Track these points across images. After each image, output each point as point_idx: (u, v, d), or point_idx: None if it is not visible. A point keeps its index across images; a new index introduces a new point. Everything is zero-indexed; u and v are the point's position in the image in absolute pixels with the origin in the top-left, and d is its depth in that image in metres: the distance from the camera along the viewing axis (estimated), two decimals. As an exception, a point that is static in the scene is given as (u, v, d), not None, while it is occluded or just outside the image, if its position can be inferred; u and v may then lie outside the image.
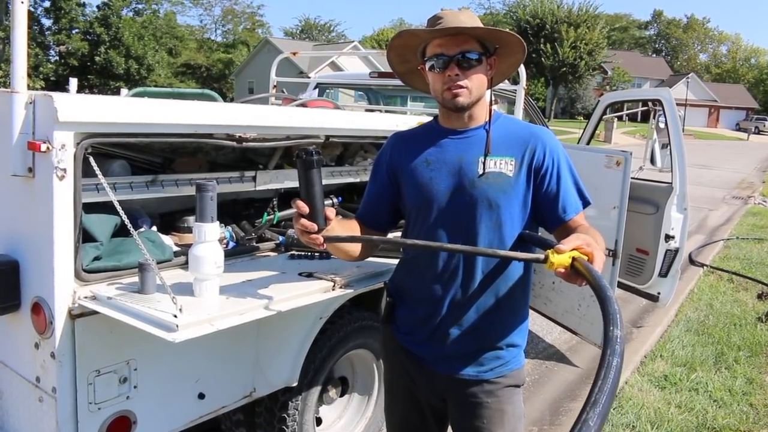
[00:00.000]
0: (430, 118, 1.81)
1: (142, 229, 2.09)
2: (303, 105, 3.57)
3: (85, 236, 1.81)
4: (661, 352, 4.30)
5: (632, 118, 33.83)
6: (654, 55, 72.97)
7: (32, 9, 33.23)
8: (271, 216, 2.58)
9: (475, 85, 1.59)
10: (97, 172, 1.71)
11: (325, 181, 1.64)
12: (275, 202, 2.63)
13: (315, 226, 1.51)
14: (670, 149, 4.12)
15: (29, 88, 1.71)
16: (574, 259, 1.34)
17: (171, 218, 2.34)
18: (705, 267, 6.83)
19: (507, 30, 1.63)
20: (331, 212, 1.55)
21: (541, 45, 42.79)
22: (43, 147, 1.62)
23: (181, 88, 31.69)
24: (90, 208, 1.84)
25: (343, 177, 2.80)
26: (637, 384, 3.77)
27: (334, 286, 2.02)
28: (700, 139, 39.49)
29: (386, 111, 4.55)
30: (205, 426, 2.17)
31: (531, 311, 1.80)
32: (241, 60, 48.17)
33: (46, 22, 37.44)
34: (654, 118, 4.71)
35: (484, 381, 1.67)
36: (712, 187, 15.29)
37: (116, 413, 1.82)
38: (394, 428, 1.91)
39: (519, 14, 47.33)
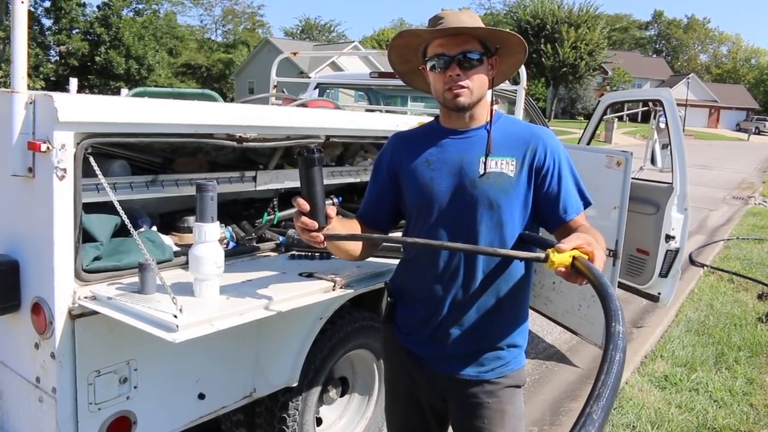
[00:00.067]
0: (431, 119, 1.81)
1: (142, 229, 2.09)
2: (303, 105, 3.56)
3: (85, 236, 1.81)
4: (661, 353, 4.30)
5: (633, 118, 33.86)
6: (654, 56, 72.97)
7: (32, 9, 33.25)
8: (272, 216, 2.58)
9: (476, 85, 1.59)
10: (97, 172, 1.71)
11: (325, 181, 1.64)
12: (275, 202, 2.62)
13: (316, 224, 1.51)
14: (671, 149, 4.12)
15: (29, 88, 1.71)
16: (574, 258, 1.34)
17: (171, 218, 2.34)
18: (705, 267, 6.83)
19: (508, 30, 1.63)
20: (331, 210, 1.55)
21: (542, 45, 42.78)
22: (43, 147, 1.62)
23: (181, 88, 31.70)
24: (90, 208, 1.84)
25: (344, 177, 2.80)
26: (637, 384, 3.77)
27: (334, 286, 2.02)
28: (700, 139, 39.49)
29: (386, 111, 4.55)
30: (206, 426, 2.17)
31: (531, 311, 1.80)
32: (241, 60, 48.18)
33: (47, 22, 37.51)
34: (654, 118, 4.71)
35: (484, 381, 1.67)
36: (713, 187, 15.29)
37: (116, 413, 1.82)
38: (394, 428, 1.91)
39: (519, 14, 47.32)
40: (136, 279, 1.77)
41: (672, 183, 4.07)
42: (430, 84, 1.66)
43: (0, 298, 1.77)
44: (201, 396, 2.04)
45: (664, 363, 4.13)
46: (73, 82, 3.28)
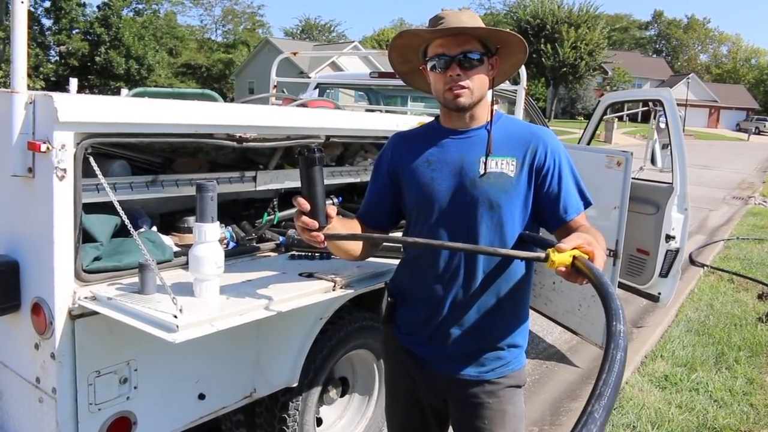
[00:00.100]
0: (431, 119, 1.81)
1: (142, 230, 2.09)
2: (303, 105, 3.56)
3: (85, 236, 1.81)
4: (661, 353, 4.30)
5: (633, 118, 33.86)
6: (654, 56, 72.96)
7: (32, 9, 33.24)
8: (272, 216, 2.58)
9: (476, 85, 1.59)
10: (97, 172, 1.71)
11: (325, 181, 1.64)
12: (275, 203, 2.62)
13: (316, 224, 1.51)
14: (671, 149, 4.12)
15: (29, 88, 1.71)
16: (575, 257, 1.34)
17: (171, 218, 2.34)
18: (705, 267, 6.83)
19: (508, 30, 1.63)
20: (332, 210, 1.55)
21: (542, 45, 42.78)
22: (43, 147, 1.62)
23: (181, 88, 31.70)
24: (90, 208, 1.83)
25: (344, 177, 2.80)
26: (637, 384, 3.77)
27: (334, 286, 2.02)
28: (700, 139, 39.49)
29: (386, 111, 4.55)
30: (206, 426, 2.17)
31: (531, 311, 1.80)
32: (241, 60, 48.18)
33: (47, 23, 37.49)
34: (654, 118, 4.71)
35: (485, 381, 1.67)
36: (713, 187, 15.29)
37: (116, 414, 1.82)
38: (395, 428, 1.91)
39: (519, 14, 47.32)
40: (136, 279, 1.77)
41: (672, 183, 4.06)
42: (430, 84, 1.65)
43: (0, 298, 1.77)
44: (201, 396, 2.04)
45: (665, 363, 4.13)
46: (73, 83, 3.28)
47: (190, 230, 2.22)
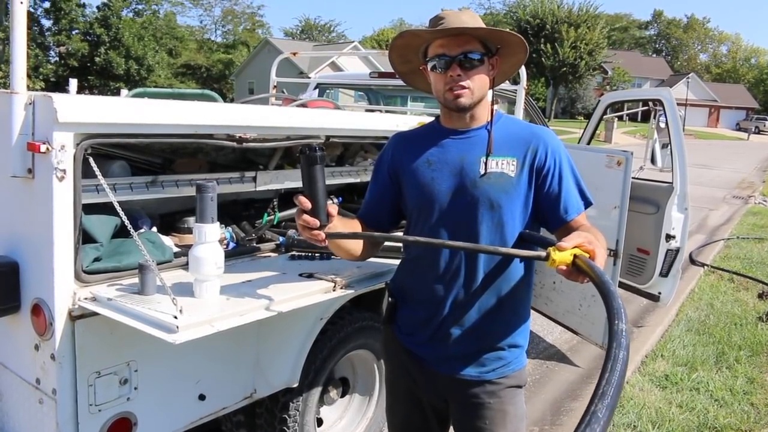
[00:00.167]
0: (431, 119, 1.80)
1: (142, 230, 2.08)
2: (303, 105, 3.56)
3: (85, 237, 1.81)
4: (662, 352, 4.30)
5: (632, 117, 33.83)
6: (654, 55, 72.97)
7: (32, 10, 33.28)
8: (272, 216, 2.58)
9: (477, 85, 1.58)
10: (97, 172, 1.71)
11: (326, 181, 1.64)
12: (275, 203, 2.62)
13: (317, 222, 1.51)
14: (671, 149, 4.12)
15: (29, 88, 1.71)
16: (575, 256, 1.33)
17: (171, 219, 2.34)
18: (706, 267, 6.82)
19: (508, 30, 1.63)
20: (333, 209, 1.55)
21: (542, 45, 42.77)
22: (43, 148, 1.62)
23: (181, 88, 31.70)
24: (90, 209, 1.83)
25: (344, 177, 2.80)
26: (638, 384, 3.77)
27: (334, 286, 2.02)
28: (700, 138, 39.49)
29: (386, 111, 4.55)
30: (206, 427, 2.16)
31: (532, 311, 1.80)
32: (241, 60, 48.18)
33: (46, 23, 37.51)
34: (654, 117, 4.70)
35: (486, 381, 1.66)
36: (713, 186, 15.29)
37: (117, 415, 1.82)
38: (395, 429, 1.91)
39: (519, 14, 47.32)
40: (136, 280, 1.77)
41: (672, 182, 4.06)
42: (430, 84, 1.65)
43: (0, 299, 1.77)
44: (201, 397, 2.04)
45: (665, 362, 4.13)
46: (73, 83, 3.27)
47: (190, 231, 2.22)
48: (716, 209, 11.66)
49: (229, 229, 2.42)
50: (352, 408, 2.84)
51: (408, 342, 1.75)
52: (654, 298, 4.28)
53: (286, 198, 2.65)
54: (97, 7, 37.67)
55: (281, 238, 2.39)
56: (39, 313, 1.73)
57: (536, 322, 4.49)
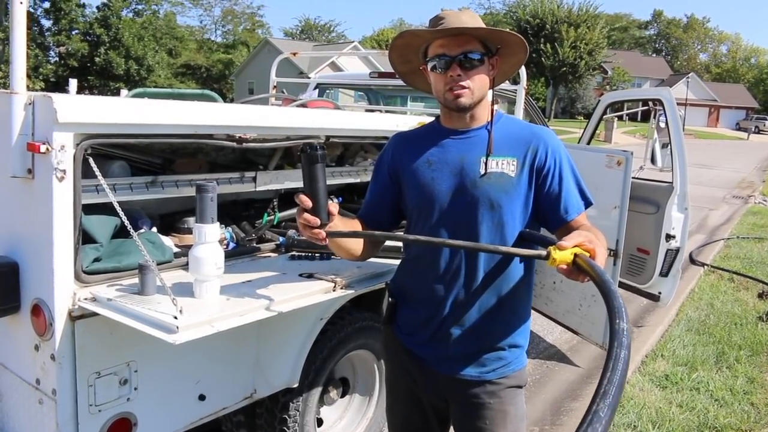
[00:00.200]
0: (431, 119, 1.80)
1: (142, 231, 2.08)
2: (303, 105, 3.56)
3: (84, 237, 1.81)
4: (662, 352, 4.30)
5: (632, 117, 33.82)
6: (654, 55, 72.96)
7: (32, 10, 33.27)
8: (272, 217, 2.58)
9: (477, 85, 1.58)
10: (97, 173, 1.71)
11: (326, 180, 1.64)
12: (275, 203, 2.62)
13: (318, 221, 1.51)
14: (671, 149, 4.12)
15: (29, 89, 1.71)
16: (576, 255, 1.33)
17: (171, 219, 2.34)
18: (706, 266, 6.82)
19: (508, 30, 1.63)
20: (334, 207, 1.55)
21: (541, 45, 42.76)
22: (43, 148, 1.62)
23: (181, 88, 31.69)
24: (90, 209, 1.83)
25: (344, 177, 2.80)
26: (638, 384, 3.77)
27: (334, 286, 2.02)
28: (700, 138, 39.49)
29: (386, 111, 4.55)
30: (206, 427, 2.16)
31: (532, 311, 1.80)
32: (241, 60, 48.18)
33: (46, 23, 37.51)
34: (654, 117, 4.70)
35: (486, 382, 1.66)
36: (713, 186, 15.29)
37: (117, 415, 1.82)
38: (395, 429, 1.91)
39: (519, 14, 47.31)
40: (136, 280, 1.77)
41: (672, 182, 4.06)
42: (430, 84, 1.65)
43: (0, 299, 1.77)
44: (201, 397, 2.04)
45: (665, 362, 4.13)
46: (73, 83, 3.27)
47: (190, 231, 2.22)
48: (716, 209, 11.66)
49: (229, 229, 2.42)
50: (352, 408, 2.84)
51: (408, 342, 1.75)
52: (654, 297, 4.28)
53: (286, 198, 2.65)
54: (97, 7, 37.71)
55: (281, 239, 2.39)
56: (39, 314, 1.73)
57: (536, 322, 4.49)
